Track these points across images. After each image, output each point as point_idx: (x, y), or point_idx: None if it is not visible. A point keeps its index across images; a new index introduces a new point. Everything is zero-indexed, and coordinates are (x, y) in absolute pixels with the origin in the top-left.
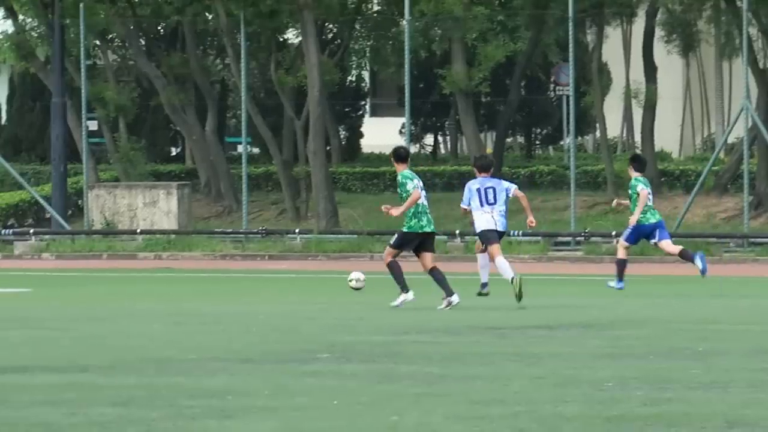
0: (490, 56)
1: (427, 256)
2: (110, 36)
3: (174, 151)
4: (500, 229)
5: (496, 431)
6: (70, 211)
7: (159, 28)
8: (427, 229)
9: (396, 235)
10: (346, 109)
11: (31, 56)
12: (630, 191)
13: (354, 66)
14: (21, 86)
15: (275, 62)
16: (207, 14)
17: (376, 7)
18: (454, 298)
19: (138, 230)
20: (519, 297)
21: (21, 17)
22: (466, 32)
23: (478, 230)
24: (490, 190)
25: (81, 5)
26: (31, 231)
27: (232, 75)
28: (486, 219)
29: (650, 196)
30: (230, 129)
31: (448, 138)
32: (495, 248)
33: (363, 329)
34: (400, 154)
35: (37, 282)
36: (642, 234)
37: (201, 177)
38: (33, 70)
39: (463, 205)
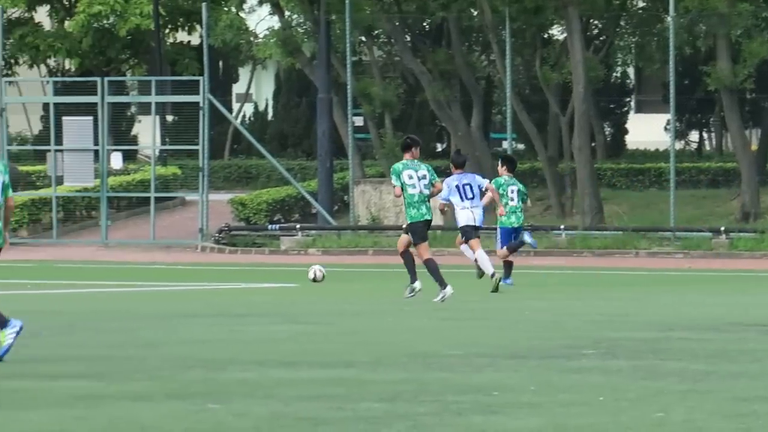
0: (755, 53)
1: (423, 246)
2: (376, 32)
3: (439, 147)
4: (478, 223)
5: (763, 429)
6: (336, 207)
7: (424, 24)
8: (428, 217)
9: (410, 231)
10: (611, 106)
11: (297, 52)
12: (501, 191)
13: (619, 63)
14: (287, 82)
15: (540, 58)
16: (472, 10)
17: (641, 4)
18: (417, 284)
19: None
20: (495, 290)
21: (287, 13)
22: (730, 29)
23: (459, 225)
24: (468, 186)
25: (347, 1)
26: (298, 226)
27: (497, 71)
28: (466, 215)
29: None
30: (495, 125)
31: (712, 135)
32: (475, 242)
33: (628, 325)
34: (404, 144)
35: (303, 277)
36: (508, 235)
37: None
38: (299, 66)
39: (443, 200)
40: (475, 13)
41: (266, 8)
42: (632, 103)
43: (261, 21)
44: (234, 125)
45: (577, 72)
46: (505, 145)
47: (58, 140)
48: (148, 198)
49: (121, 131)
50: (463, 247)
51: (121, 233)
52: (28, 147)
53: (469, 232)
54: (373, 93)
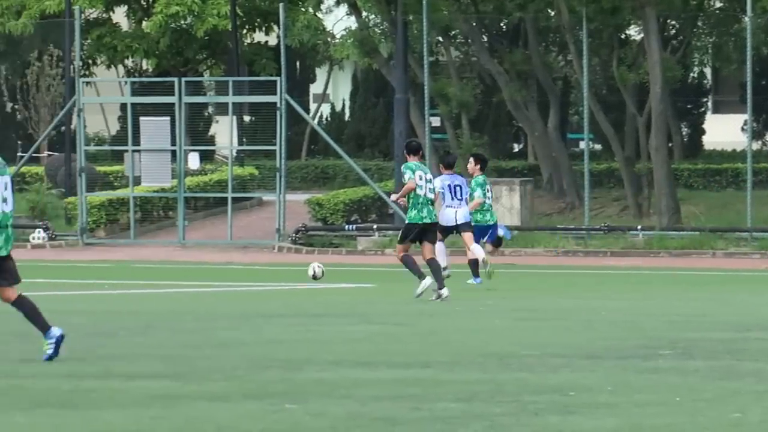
0: None
1: (427, 246)
2: (453, 32)
3: (516, 148)
4: (459, 221)
5: None
6: None
7: (501, 24)
8: (427, 221)
9: (401, 230)
10: (688, 106)
11: (375, 53)
12: (482, 190)
13: (696, 63)
14: (364, 82)
15: (617, 59)
16: (549, 11)
17: (718, 4)
18: (444, 292)
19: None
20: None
21: (364, 14)
22: None
23: (440, 223)
24: (458, 188)
25: (424, 2)
26: (375, 227)
27: (573, 71)
28: (449, 215)
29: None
30: (572, 125)
31: None
32: (439, 245)
33: (705, 326)
34: (412, 147)
35: (379, 277)
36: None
37: (543, 173)
38: (376, 66)
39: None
40: (552, 13)
41: (343, 9)
42: (709, 104)
43: (338, 21)
44: (311, 126)
45: (654, 72)
46: (582, 145)
47: (136, 140)
48: (225, 198)
49: (198, 131)
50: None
51: (198, 233)
52: (106, 147)
53: (447, 232)
54: (450, 93)
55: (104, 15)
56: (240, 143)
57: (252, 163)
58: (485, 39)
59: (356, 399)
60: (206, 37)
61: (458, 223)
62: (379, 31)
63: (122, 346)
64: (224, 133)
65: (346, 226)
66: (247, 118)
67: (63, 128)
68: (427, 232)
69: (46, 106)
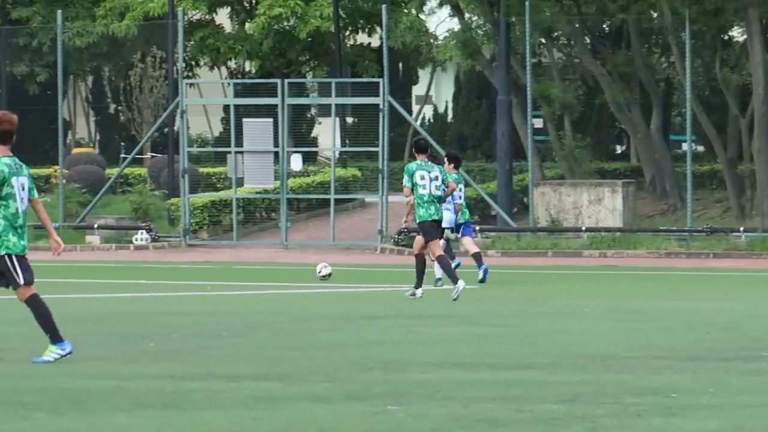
0: None
1: (435, 244)
2: (555, 34)
3: (619, 149)
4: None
5: None
6: (515, 209)
7: (604, 26)
8: (436, 217)
9: (420, 231)
10: None
11: (477, 54)
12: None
13: None
14: (467, 84)
15: (720, 60)
16: (652, 12)
17: None
18: (419, 292)
19: (583, 228)
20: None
21: (467, 15)
22: None
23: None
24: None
25: (526, 3)
26: (477, 228)
27: (676, 73)
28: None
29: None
30: (675, 127)
31: None
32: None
33: None
34: (420, 146)
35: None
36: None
37: (645, 175)
38: (479, 68)
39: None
40: (655, 15)
41: (446, 10)
42: None
43: (441, 23)
44: (414, 127)
45: (756, 74)
46: (685, 147)
47: (239, 142)
48: (328, 200)
49: (301, 133)
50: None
51: (300, 235)
52: (209, 149)
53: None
54: (553, 95)
55: (207, 17)
56: (343, 145)
57: (354, 164)
58: (588, 40)
59: (458, 400)
60: (309, 39)
61: (445, 226)
62: (481, 33)
63: (224, 348)
64: (327, 134)
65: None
66: (349, 120)
67: (166, 130)
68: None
69: (149, 108)
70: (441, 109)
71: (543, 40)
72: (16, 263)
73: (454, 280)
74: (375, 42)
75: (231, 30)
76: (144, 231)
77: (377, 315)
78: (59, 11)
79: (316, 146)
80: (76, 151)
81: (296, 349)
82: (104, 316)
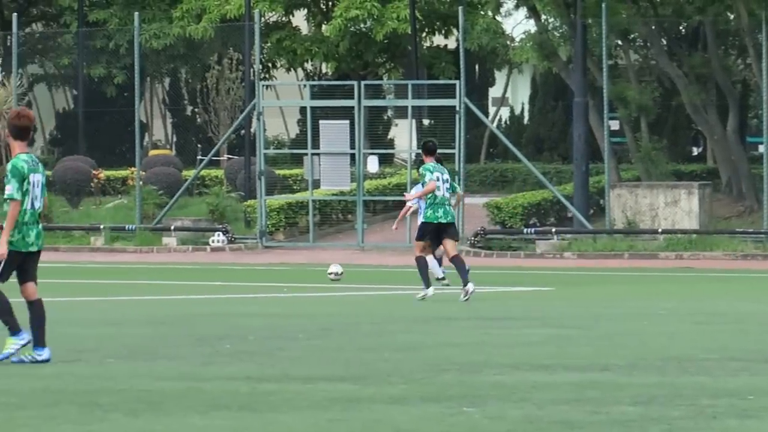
0: None
1: (449, 243)
2: (632, 36)
3: (695, 151)
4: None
5: None
6: (591, 211)
7: (680, 27)
8: (443, 221)
9: (418, 228)
10: None
11: (553, 56)
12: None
13: None
14: (543, 86)
15: None
16: (728, 14)
17: None
18: (470, 287)
19: (659, 230)
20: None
21: (543, 17)
22: None
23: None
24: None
25: (603, 5)
26: (553, 230)
27: (753, 75)
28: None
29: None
30: (751, 128)
31: None
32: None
33: None
34: (429, 148)
35: (558, 280)
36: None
37: (722, 177)
38: (555, 69)
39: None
40: (732, 16)
41: (523, 12)
42: None
43: (517, 25)
44: (490, 129)
45: None
46: (761, 149)
47: (315, 144)
48: (404, 201)
49: (377, 135)
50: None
51: (376, 236)
52: (285, 151)
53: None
54: (629, 97)
55: (284, 19)
56: (419, 146)
57: None
58: (664, 42)
59: (534, 402)
60: (386, 41)
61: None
62: (558, 35)
63: (301, 349)
64: (403, 136)
65: (525, 230)
66: (426, 122)
67: (242, 131)
68: (446, 231)
69: (225, 110)
70: (517, 111)
71: (619, 42)
72: (5, 261)
73: (427, 284)
74: (451, 44)
75: (307, 32)
76: (220, 233)
77: (453, 317)
78: (136, 13)
79: (393, 148)
80: (153, 153)
81: (372, 351)
82: (181, 317)
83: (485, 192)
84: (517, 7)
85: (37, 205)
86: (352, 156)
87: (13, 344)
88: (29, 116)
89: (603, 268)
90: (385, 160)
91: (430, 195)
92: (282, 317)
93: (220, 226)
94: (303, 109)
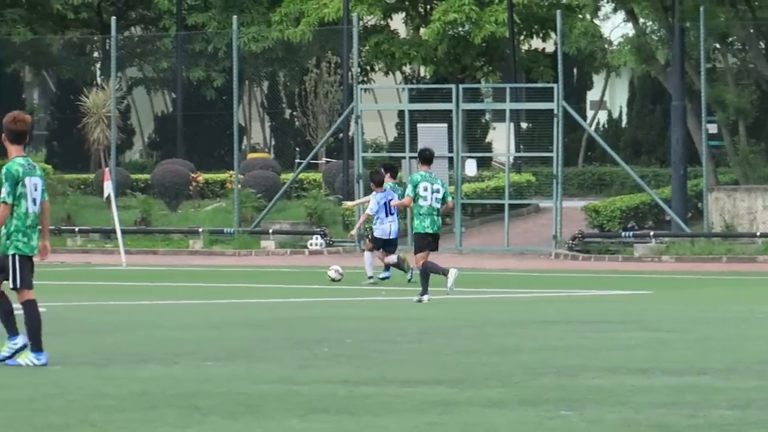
0: None
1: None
2: (730, 39)
3: None
4: (392, 236)
5: None
6: (689, 214)
7: None
8: (429, 230)
9: (414, 241)
10: None
11: (651, 59)
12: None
13: None
14: (641, 89)
15: None
16: None
17: None
18: (425, 298)
19: (758, 233)
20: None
21: (641, 21)
22: None
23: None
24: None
25: (701, 9)
26: (651, 233)
27: None
28: (385, 229)
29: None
30: None
31: None
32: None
33: None
34: (425, 157)
35: (656, 284)
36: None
37: None
38: (653, 73)
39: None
40: None
41: (621, 15)
42: None
43: (615, 28)
44: (588, 132)
45: None
46: None
47: (413, 147)
48: (502, 205)
49: (475, 138)
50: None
51: (475, 240)
52: (383, 154)
53: (379, 243)
54: (727, 100)
55: (382, 22)
56: (517, 150)
57: (529, 169)
58: (762, 45)
59: (631, 406)
60: (484, 44)
61: (391, 237)
62: (656, 38)
63: (399, 352)
64: (501, 139)
65: (623, 233)
66: (524, 125)
67: (341, 135)
68: (431, 242)
69: (324, 113)
70: (615, 114)
71: (717, 45)
72: (17, 264)
73: (444, 273)
74: (549, 47)
75: (406, 35)
76: (318, 236)
77: (551, 320)
78: (235, 17)
79: (491, 151)
80: (251, 156)
81: (470, 354)
82: (279, 320)
83: (583, 195)
84: (615, 10)
85: (36, 208)
86: (450, 159)
87: (27, 359)
88: (25, 120)
89: (701, 271)
90: (483, 163)
91: (416, 206)
92: (380, 320)
93: (318, 229)
94: (401, 113)
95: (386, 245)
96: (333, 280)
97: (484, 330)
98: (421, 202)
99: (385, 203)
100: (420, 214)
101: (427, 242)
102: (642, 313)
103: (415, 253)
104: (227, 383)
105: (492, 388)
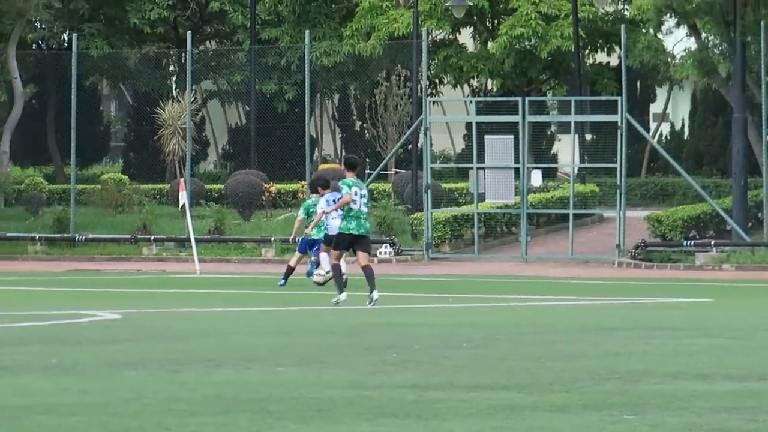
0: None
1: (360, 254)
2: None
3: None
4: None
5: None
6: (750, 224)
7: None
8: (355, 233)
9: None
10: None
11: (713, 72)
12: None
13: None
14: (703, 102)
15: None
16: None
17: None
18: (375, 294)
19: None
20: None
21: (704, 35)
22: None
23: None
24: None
25: (762, 23)
26: (712, 242)
27: None
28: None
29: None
30: None
31: None
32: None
33: None
34: (350, 163)
35: (717, 292)
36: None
37: None
38: (715, 86)
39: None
40: None
41: (683, 30)
42: None
43: (678, 42)
44: (651, 144)
45: None
46: None
47: (480, 158)
48: (567, 214)
49: (541, 149)
50: (323, 255)
51: (540, 249)
52: (451, 165)
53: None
54: None
55: (451, 36)
56: (581, 161)
57: (593, 180)
58: None
59: (693, 410)
60: (549, 58)
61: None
62: (717, 52)
63: (465, 358)
64: (566, 150)
65: (684, 242)
66: (588, 137)
67: (410, 146)
68: (358, 243)
69: (393, 125)
70: (678, 127)
71: None
72: None
73: (340, 290)
74: (614, 61)
75: (473, 49)
76: (388, 245)
77: (614, 327)
78: (307, 31)
79: (556, 162)
80: (322, 167)
81: (536, 360)
82: (350, 327)
83: (646, 205)
84: (678, 25)
85: None
86: (517, 170)
87: None
88: None
89: (761, 279)
90: (549, 174)
91: (346, 207)
92: (447, 327)
93: (388, 238)
94: (469, 125)
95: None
96: (318, 284)
97: (549, 336)
98: (352, 205)
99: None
100: (348, 216)
101: (348, 243)
102: (703, 320)
103: (334, 249)
104: (298, 388)
105: (556, 393)
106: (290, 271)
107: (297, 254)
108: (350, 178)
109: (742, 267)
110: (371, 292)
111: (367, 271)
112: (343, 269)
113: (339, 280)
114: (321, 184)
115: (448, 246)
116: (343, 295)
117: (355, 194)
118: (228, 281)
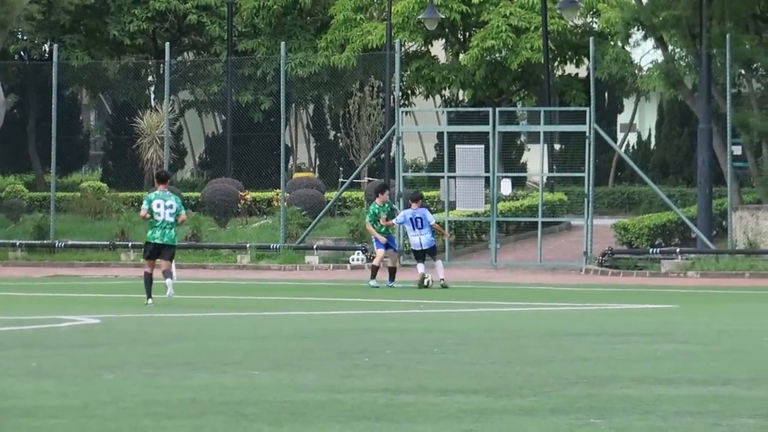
0: None
1: (163, 262)
2: (754, 65)
3: None
4: (426, 246)
5: None
6: (714, 232)
7: None
8: (159, 241)
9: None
10: None
11: (680, 84)
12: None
13: None
14: (669, 113)
15: None
16: None
17: None
18: (150, 302)
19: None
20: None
21: (670, 47)
22: None
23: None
24: (419, 219)
25: (727, 36)
26: (678, 250)
27: None
28: (415, 241)
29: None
30: None
31: None
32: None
33: None
34: (160, 177)
35: (682, 298)
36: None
37: None
38: (681, 97)
39: (397, 223)
40: None
41: (650, 42)
42: None
43: (645, 54)
44: (618, 153)
45: None
46: None
47: (451, 167)
48: (536, 222)
49: (510, 159)
50: (419, 266)
51: (509, 256)
52: (423, 173)
53: (417, 256)
54: (752, 123)
55: (423, 48)
56: (550, 170)
57: (561, 188)
58: None
59: (658, 414)
60: (519, 70)
61: (424, 247)
62: (684, 64)
63: (436, 363)
64: (535, 160)
65: (650, 249)
66: (557, 147)
67: (383, 155)
68: (161, 251)
69: (366, 135)
70: (644, 137)
71: (742, 71)
72: None
73: (149, 295)
74: (582, 72)
75: (445, 61)
76: (360, 251)
77: (582, 332)
78: (282, 43)
79: (525, 171)
80: (297, 175)
81: (505, 365)
82: (324, 332)
83: (613, 213)
84: (645, 38)
85: None
86: (487, 179)
87: None
88: None
89: (725, 286)
90: (518, 183)
91: (152, 220)
92: (418, 332)
93: (360, 245)
94: (440, 134)
95: (418, 255)
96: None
97: (518, 342)
98: (155, 216)
99: (411, 218)
100: (153, 227)
101: (157, 251)
102: (669, 326)
103: (145, 258)
104: (273, 391)
105: (525, 397)
106: (375, 270)
107: (379, 251)
108: (157, 191)
109: (706, 274)
110: (149, 298)
111: (165, 274)
112: (442, 274)
113: (148, 287)
114: (379, 190)
115: None
116: (150, 301)
117: (158, 206)
118: (204, 287)
